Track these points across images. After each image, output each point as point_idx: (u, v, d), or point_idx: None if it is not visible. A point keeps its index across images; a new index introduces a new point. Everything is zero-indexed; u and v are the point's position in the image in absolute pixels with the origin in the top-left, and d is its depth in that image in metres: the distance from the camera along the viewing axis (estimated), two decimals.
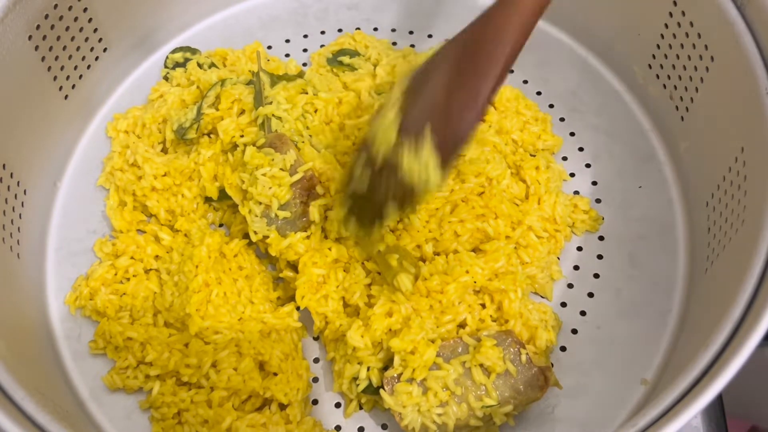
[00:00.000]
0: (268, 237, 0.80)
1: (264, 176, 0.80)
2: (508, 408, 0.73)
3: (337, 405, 0.81)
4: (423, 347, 0.74)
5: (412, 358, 0.74)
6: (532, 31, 0.65)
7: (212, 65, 1.00)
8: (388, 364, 0.76)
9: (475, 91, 0.64)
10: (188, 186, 0.89)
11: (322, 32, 1.08)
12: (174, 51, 1.04)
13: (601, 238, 0.89)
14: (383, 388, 0.74)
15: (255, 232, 0.81)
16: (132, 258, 0.86)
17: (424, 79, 0.67)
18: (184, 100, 0.95)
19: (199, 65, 1.00)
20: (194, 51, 1.04)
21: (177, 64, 1.02)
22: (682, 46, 0.86)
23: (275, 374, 0.78)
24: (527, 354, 0.74)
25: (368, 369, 0.76)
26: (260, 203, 0.80)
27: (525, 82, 1.01)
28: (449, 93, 0.65)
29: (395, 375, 0.74)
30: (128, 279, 0.86)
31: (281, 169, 0.81)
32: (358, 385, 0.76)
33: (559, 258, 0.87)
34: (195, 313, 0.79)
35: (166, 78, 1.02)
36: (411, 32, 1.07)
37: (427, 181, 0.66)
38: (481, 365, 0.73)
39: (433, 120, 0.65)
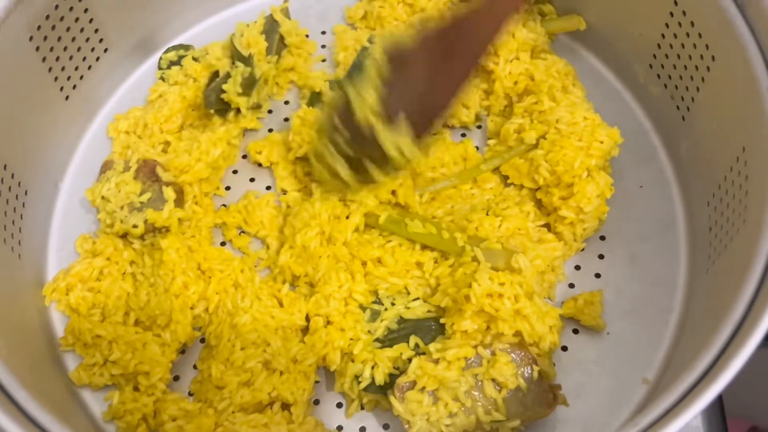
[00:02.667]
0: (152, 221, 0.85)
1: (109, 191, 0.86)
2: (515, 423, 0.73)
3: (339, 405, 0.81)
4: (454, 363, 0.73)
5: (432, 368, 0.73)
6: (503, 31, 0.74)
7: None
8: (399, 367, 0.76)
9: (454, 83, 0.75)
10: None
11: (323, 32, 1.08)
12: (167, 51, 1.03)
13: (602, 237, 0.89)
14: (393, 395, 0.73)
15: (135, 226, 0.84)
16: (108, 259, 0.86)
17: (405, 65, 0.74)
18: (185, 97, 0.95)
19: (195, 59, 1.00)
20: (187, 47, 1.03)
21: (172, 63, 1.01)
22: (682, 45, 0.86)
23: (281, 373, 0.78)
24: (539, 371, 0.74)
25: (373, 367, 0.76)
26: (122, 207, 0.85)
27: None
28: (430, 81, 0.74)
29: (408, 382, 0.74)
30: (104, 278, 0.85)
31: (120, 173, 0.87)
32: (360, 383, 0.76)
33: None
34: (182, 317, 0.80)
35: (162, 79, 1.01)
36: None
37: (402, 154, 0.75)
38: (494, 380, 0.73)
39: (412, 105, 0.74)
